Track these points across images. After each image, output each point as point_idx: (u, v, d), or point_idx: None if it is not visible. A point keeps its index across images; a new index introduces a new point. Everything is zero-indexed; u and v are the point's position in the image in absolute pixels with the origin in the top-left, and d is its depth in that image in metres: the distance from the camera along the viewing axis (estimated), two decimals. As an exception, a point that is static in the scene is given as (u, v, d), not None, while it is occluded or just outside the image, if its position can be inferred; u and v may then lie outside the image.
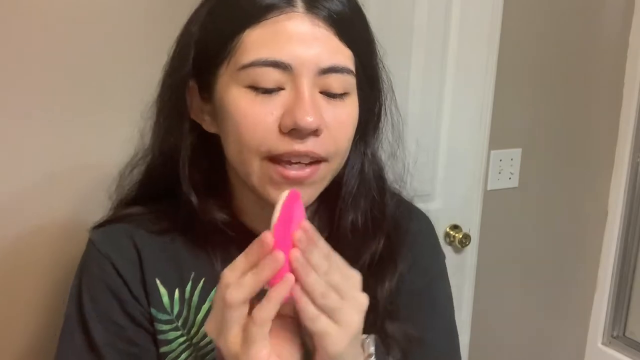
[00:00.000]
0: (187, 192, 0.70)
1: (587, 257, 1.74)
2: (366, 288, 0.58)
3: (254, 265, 0.54)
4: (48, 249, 0.96)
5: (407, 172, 0.83)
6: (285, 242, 0.54)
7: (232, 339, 0.54)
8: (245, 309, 0.54)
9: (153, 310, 0.71)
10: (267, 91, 0.62)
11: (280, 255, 0.53)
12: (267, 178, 0.64)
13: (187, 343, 0.72)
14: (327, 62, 0.63)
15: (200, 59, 0.67)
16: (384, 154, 0.80)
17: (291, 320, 0.58)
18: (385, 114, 0.76)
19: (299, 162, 0.64)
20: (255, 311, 0.53)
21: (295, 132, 0.62)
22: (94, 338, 0.70)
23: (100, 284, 0.70)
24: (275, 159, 0.63)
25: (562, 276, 1.71)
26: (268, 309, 0.53)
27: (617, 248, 1.71)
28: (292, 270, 0.54)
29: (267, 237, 0.53)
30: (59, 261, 0.96)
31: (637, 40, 1.59)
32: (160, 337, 0.71)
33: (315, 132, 0.62)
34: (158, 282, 0.71)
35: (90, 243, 0.73)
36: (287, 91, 0.62)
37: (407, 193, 0.84)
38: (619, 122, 1.66)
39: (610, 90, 1.63)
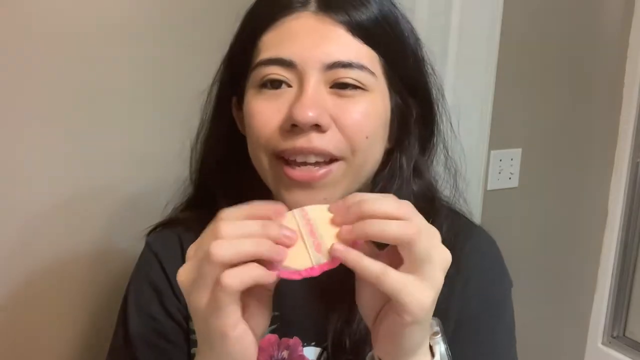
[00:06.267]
0: (222, 203, 0.71)
1: (587, 257, 1.74)
2: None
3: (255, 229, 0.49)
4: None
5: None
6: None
7: (200, 297, 0.49)
8: (223, 270, 0.48)
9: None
10: (274, 86, 0.62)
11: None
12: (278, 179, 0.64)
13: None
14: (333, 58, 0.62)
15: (234, 73, 0.70)
16: (439, 167, 0.77)
17: (266, 292, 0.54)
18: (436, 126, 0.74)
19: (305, 163, 0.62)
20: (224, 276, 0.47)
21: (297, 128, 0.60)
22: (130, 329, 0.72)
23: (145, 278, 0.75)
24: (281, 157, 0.63)
25: (562, 276, 1.71)
26: (240, 276, 0.47)
27: (617, 248, 1.71)
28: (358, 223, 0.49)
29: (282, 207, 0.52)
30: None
31: (637, 40, 1.59)
32: (193, 337, 0.71)
33: (319, 128, 0.61)
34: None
35: (146, 245, 0.78)
36: (293, 88, 0.62)
37: (467, 213, 0.80)
38: (619, 122, 1.66)
39: (610, 90, 1.63)
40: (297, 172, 0.62)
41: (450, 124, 0.76)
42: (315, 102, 0.60)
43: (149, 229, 0.80)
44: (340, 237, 0.50)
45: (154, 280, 0.74)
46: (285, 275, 0.50)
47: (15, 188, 0.92)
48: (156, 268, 0.74)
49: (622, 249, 1.70)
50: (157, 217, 0.83)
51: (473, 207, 1.45)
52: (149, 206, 0.89)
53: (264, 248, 0.49)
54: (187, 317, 0.72)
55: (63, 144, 0.94)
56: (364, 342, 0.65)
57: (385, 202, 0.49)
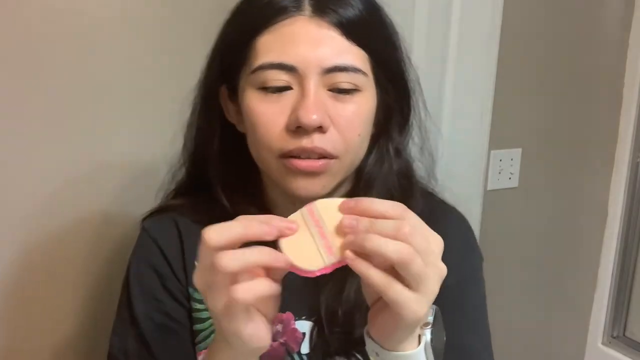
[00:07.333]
0: (216, 190, 0.77)
1: (587, 257, 1.74)
2: None
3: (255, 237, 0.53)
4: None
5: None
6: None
7: (215, 303, 0.53)
8: (233, 278, 0.52)
9: (190, 289, 0.77)
10: (277, 90, 0.66)
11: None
12: (284, 171, 0.69)
13: None
14: (330, 62, 0.66)
15: (226, 65, 0.73)
16: (415, 147, 0.82)
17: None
18: (413, 111, 0.79)
19: (309, 158, 0.67)
20: (236, 291, 0.51)
21: (301, 129, 0.65)
22: (135, 310, 0.76)
23: (145, 262, 0.78)
24: (287, 155, 0.67)
25: (562, 276, 1.71)
26: (251, 291, 0.51)
27: (617, 248, 1.71)
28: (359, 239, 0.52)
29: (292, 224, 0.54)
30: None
31: (637, 40, 1.59)
32: (195, 315, 0.77)
33: (321, 129, 0.66)
34: (196, 263, 0.75)
35: (143, 230, 0.81)
36: (294, 91, 0.66)
37: (441, 194, 0.86)
38: (619, 122, 1.66)
39: (610, 90, 1.63)
40: (304, 163, 0.67)
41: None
42: (318, 104, 0.65)
43: (144, 215, 0.83)
44: (346, 245, 0.54)
45: (155, 264, 0.77)
46: (302, 274, 0.55)
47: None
48: (156, 253, 0.78)
49: (622, 249, 1.70)
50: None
51: (473, 207, 1.47)
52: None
53: (268, 257, 0.53)
54: (189, 297, 0.77)
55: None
56: (354, 311, 0.71)
57: (387, 223, 0.52)
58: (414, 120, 0.80)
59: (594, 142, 1.64)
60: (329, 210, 0.55)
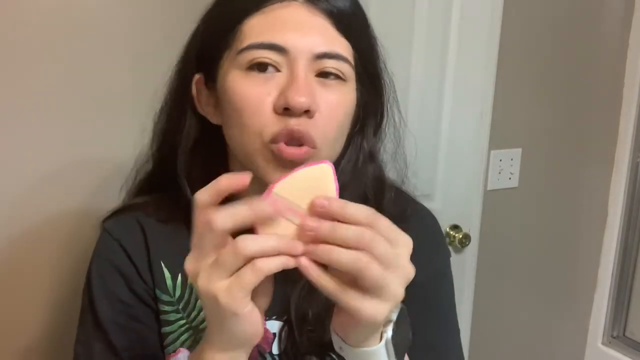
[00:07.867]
0: (183, 185, 0.74)
1: (587, 257, 1.74)
2: None
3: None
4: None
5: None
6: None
7: (218, 282, 0.51)
8: (245, 260, 0.51)
9: (157, 291, 0.74)
10: (264, 69, 0.65)
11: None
12: (269, 158, 0.66)
13: (186, 326, 0.75)
14: (321, 49, 0.65)
15: (205, 50, 0.71)
16: (386, 155, 0.82)
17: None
18: (387, 115, 0.78)
19: (293, 145, 0.65)
20: (259, 261, 0.50)
21: (288, 111, 0.64)
22: (99, 314, 0.73)
23: (109, 264, 0.75)
24: (273, 140, 0.65)
25: (562, 276, 1.72)
26: (273, 262, 0.51)
27: (617, 248, 1.71)
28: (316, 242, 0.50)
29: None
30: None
31: (637, 40, 1.59)
32: (163, 317, 0.74)
33: (308, 113, 0.64)
34: (163, 265, 0.74)
35: (104, 231, 0.77)
36: (283, 73, 0.65)
37: (411, 192, 0.85)
38: (619, 122, 1.66)
39: (610, 90, 1.63)
40: (289, 150, 0.65)
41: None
42: (307, 87, 0.64)
43: (105, 216, 0.80)
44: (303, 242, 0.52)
45: (119, 265, 0.74)
46: None
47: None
48: (120, 254, 0.75)
49: (622, 249, 1.71)
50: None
51: (473, 207, 1.47)
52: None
53: (286, 245, 0.52)
54: (155, 299, 0.75)
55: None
56: (325, 313, 0.69)
57: (349, 231, 0.51)
58: (387, 126, 0.79)
59: (594, 142, 1.65)
60: (287, 188, 0.54)
